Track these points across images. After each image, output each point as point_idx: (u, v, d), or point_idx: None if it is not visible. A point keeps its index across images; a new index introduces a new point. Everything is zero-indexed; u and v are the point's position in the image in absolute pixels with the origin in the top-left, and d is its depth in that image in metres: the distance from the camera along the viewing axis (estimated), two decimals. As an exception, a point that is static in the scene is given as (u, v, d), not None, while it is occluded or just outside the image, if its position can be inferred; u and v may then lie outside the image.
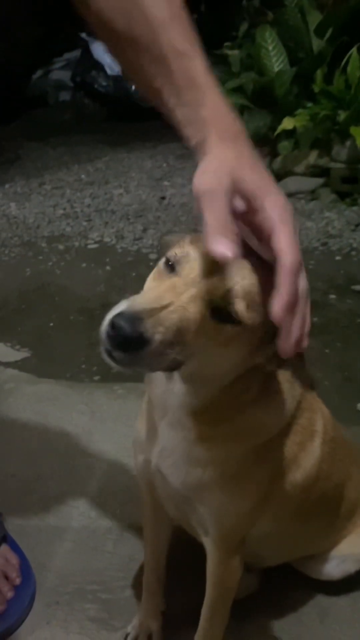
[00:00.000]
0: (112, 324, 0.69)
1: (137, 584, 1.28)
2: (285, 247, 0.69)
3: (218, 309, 0.74)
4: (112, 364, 0.72)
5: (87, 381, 2.09)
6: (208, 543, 1.00)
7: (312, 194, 3.78)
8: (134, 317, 0.69)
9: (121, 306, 0.71)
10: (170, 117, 0.82)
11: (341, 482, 1.13)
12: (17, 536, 1.42)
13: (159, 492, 1.06)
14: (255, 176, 0.73)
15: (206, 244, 0.69)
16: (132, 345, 0.69)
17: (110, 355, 0.71)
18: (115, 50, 0.88)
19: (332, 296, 2.62)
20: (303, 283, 0.75)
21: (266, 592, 1.26)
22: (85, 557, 1.37)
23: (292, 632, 1.19)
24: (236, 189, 0.71)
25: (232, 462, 0.92)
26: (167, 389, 0.89)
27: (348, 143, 3.61)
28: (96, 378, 2.11)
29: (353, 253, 3.05)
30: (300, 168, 3.88)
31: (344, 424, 1.32)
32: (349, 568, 1.21)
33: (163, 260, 0.78)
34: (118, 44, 0.86)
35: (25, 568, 1.30)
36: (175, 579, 1.25)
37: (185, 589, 1.27)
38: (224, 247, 0.67)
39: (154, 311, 0.71)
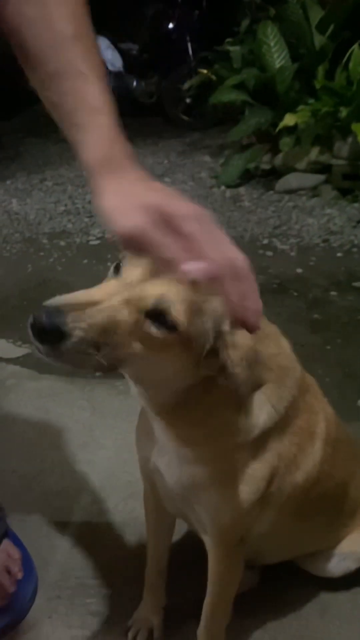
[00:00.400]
0: (34, 315, 0.70)
1: (138, 579, 1.28)
2: (212, 254, 0.69)
3: (154, 314, 0.73)
4: (38, 354, 0.72)
5: (88, 377, 2.10)
6: (208, 541, 1.01)
7: (314, 191, 3.78)
8: (55, 310, 0.70)
9: (53, 300, 0.72)
10: (66, 135, 0.82)
11: (344, 481, 1.13)
12: (18, 531, 1.42)
13: (159, 490, 1.06)
14: (159, 196, 0.72)
15: (178, 271, 0.67)
16: (48, 337, 0.70)
17: (37, 348, 0.72)
18: (21, 58, 0.86)
19: (333, 293, 2.62)
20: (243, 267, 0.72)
21: (267, 588, 1.26)
22: (86, 551, 1.38)
23: (292, 628, 1.20)
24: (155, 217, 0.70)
25: (220, 460, 0.92)
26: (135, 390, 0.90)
27: (349, 139, 3.60)
28: (97, 374, 2.11)
29: (354, 250, 3.05)
30: (301, 165, 3.88)
31: (345, 421, 1.32)
32: (350, 566, 1.22)
33: (114, 264, 0.78)
34: (23, 52, 0.84)
35: (27, 562, 1.31)
36: (177, 574, 1.26)
37: (187, 584, 1.27)
38: (196, 267, 0.67)
39: (78, 306, 0.71)
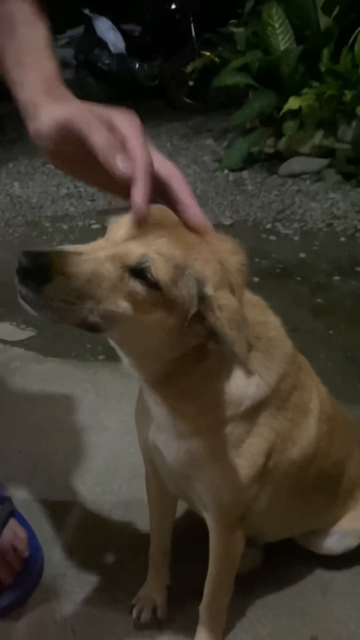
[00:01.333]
0: (19, 259, 0.71)
1: (142, 558, 1.30)
2: (134, 148, 0.74)
3: (137, 271, 0.74)
4: (23, 304, 0.73)
5: (92, 360, 2.11)
6: (208, 518, 1.02)
7: (317, 175, 3.77)
8: (39, 253, 0.72)
9: (38, 248, 0.75)
10: (4, 75, 0.87)
11: (341, 460, 1.15)
12: (24, 511, 1.44)
13: (160, 469, 1.08)
14: (100, 110, 0.78)
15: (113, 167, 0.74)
16: (32, 278, 0.71)
17: (21, 295, 0.73)
18: None
19: (336, 278, 2.62)
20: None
21: (269, 567, 1.28)
22: (91, 531, 1.40)
23: (294, 606, 1.22)
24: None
25: (215, 435, 0.92)
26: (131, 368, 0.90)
27: (354, 123, 3.58)
28: (101, 357, 2.13)
29: (358, 234, 3.04)
30: (305, 149, 3.86)
31: (347, 404, 1.34)
32: (350, 543, 1.23)
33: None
34: None
35: (33, 542, 1.33)
36: (181, 553, 1.28)
37: (190, 563, 1.29)
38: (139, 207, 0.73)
39: (63, 254, 0.73)
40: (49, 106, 0.80)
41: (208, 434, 0.93)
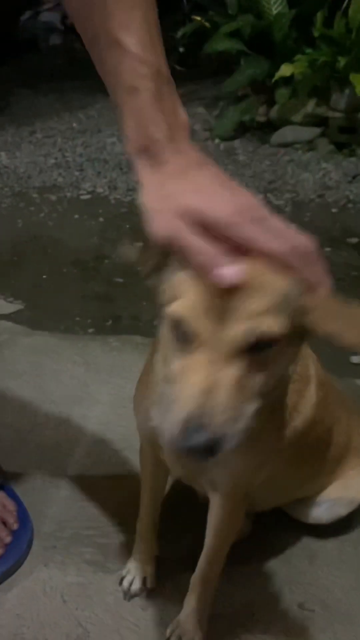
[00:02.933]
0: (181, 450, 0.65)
1: (132, 529, 1.31)
2: (271, 246, 0.65)
3: (251, 347, 0.66)
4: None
5: (82, 333, 2.10)
6: (216, 497, 1.02)
7: (310, 145, 3.71)
8: (192, 430, 0.64)
9: (177, 412, 0.65)
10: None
11: (331, 425, 1.15)
12: (14, 484, 1.44)
13: (165, 453, 1.06)
14: (198, 199, 0.66)
15: (212, 276, 0.64)
16: (206, 455, 0.65)
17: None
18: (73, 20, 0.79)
19: (328, 249, 2.60)
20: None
21: (257, 536, 1.30)
22: (81, 503, 1.40)
23: (282, 574, 1.24)
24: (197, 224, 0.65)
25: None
26: None
27: (347, 91, 3.52)
28: (90, 330, 2.11)
29: (350, 205, 3.01)
30: (297, 117, 3.79)
31: (338, 377, 1.34)
32: (338, 511, 1.25)
33: (166, 327, 0.72)
34: (71, 13, 0.78)
35: (22, 514, 1.33)
36: (169, 525, 1.29)
37: (178, 534, 1.30)
38: (231, 271, 0.63)
39: (202, 408, 0.64)
40: (146, 190, 0.68)
41: None
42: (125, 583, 1.21)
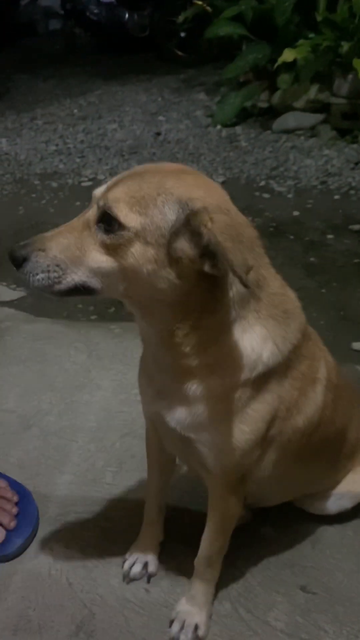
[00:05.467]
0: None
1: (135, 514, 1.32)
2: None
3: (103, 220, 0.82)
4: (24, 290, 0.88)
5: (84, 320, 2.10)
6: (208, 479, 1.03)
7: (312, 131, 3.69)
8: (19, 245, 0.86)
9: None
10: None
11: (344, 425, 1.16)
12: (18, 469, 1.46)
13: (161, 434, 1.08)
14: None
15: None
16: (14, 262, 0.85)
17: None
18: None
19: (330, 236, 2.60)
20: None
21: (260, 521, 1.31)
22: (85, 488, 1.42)
23: (284, 557, 1.25)
24: None
25: (224, 398, 0.92)
26: (141, 331, 0.93)
27: (350, 77, 3.49)
28: (93, 317, 2.12)
29: (352, 192, 3.00)
30: (300, 103, 3.77)
31: (339, 363, 1.34)
32: (345, 504, 1.26)
33: None
34: None
35: (14, 486, 1.36)
36: (176, 509, 1.30)
37: (184, 518, 1.32)
38: None
39: (41, 236, 0.86)
40: None
41: (215, 398, 0.92)
42: (126, 566, 1.22)
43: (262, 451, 0.99)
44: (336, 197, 2.97)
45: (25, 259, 0.84)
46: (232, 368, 0.90)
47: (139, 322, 0.91)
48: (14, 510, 1.30)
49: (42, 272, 0.83)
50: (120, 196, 0.81)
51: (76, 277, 0.83)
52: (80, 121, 4.31)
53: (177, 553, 1.25)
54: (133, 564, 1.22)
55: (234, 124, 3.99)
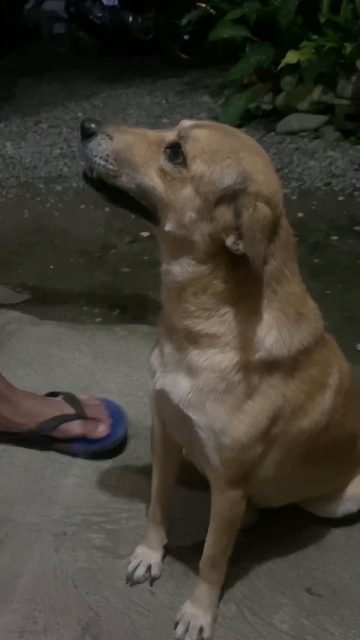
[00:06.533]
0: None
1: (140, 516, 1.32)
2: None
3: (172, 146, 0.86)
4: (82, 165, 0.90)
5: (89, 323, 2.11)
6: (211, 472, 1.03)
7: (316, 132, 3.69)
8: (94, 119, 0.89)
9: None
10: None
11: (354, 432, 1.15)
12: (22, 471, 1.46)
13: (166, 417, 1.09)
14: None
15: None
16: (82, 132, 0.87)
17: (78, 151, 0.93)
18: None
19: (334, 237, 2.60)
20: None
21: (266, 522, 1.31)
22: (90, 490, 1.42)
23: (289, 559, 1.25)
24: None
25: (222, 377, 0.93)
26: (162, 273, 0.96)
27: (353, 78, 3.49)
28: (97, 320, 2.12)
29: (356, 193, 3.00)
30: (303, 105, 3.77)
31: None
32: (351, 508, 1.26)
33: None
34: None
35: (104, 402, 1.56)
36: (181, 511, 1.30)
37: (190, 520, 1.32)
38: None
39: (116, 123, 0.89)
40: None
41: (216, 374, 0.93)
42: (130, 568, 1.22)
43: (265, 449, 1.00)
44: (340, 198, 2.97)
45: (92, 134, 0.87)
46: (233, 345, 0.92)
47: (163, 266, 0.95)
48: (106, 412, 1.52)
49: (101, 158, 0.87)
50: (200, 137, 0.85)
51: (128, 181, 0.87)
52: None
53: (183, 555, 1.25)
54: (137, 567, 1.22)
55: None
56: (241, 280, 0.89)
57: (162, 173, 0.85)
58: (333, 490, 1.25)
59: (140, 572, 1.21)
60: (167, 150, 0.86)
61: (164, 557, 1.25)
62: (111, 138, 0.86)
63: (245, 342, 0.92)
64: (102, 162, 0.86)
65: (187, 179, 0.84)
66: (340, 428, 1.09)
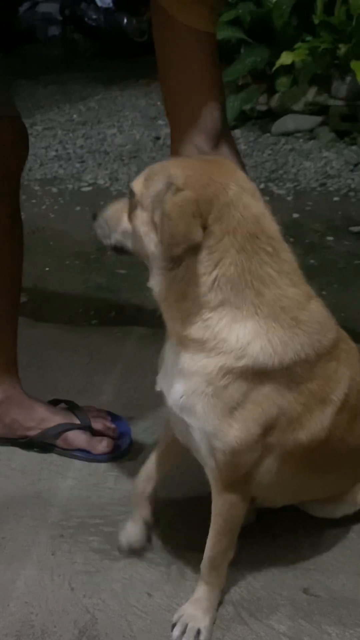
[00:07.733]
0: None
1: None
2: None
3: (130, 192, 1.00)
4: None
5: (85, 325, 2.11)
6: (209, 473, 1.04)
7: (311, 133, 3.70)
8: (96, 213, 1.10)
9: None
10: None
11: (358, 446, 1.14)
12: (19, 473, 1.46)
13: (172, 420, 1.10)
14: None
15: None
16: (93, 217, 1.10)
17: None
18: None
19: (330, 238, 2.60)
20: None
21: (262, 522, 1.31)
22: (87, 493, 1.42)
23: (286, 559, 1.25)
24: None
25: (210, 381, 0.94)
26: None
27: (348, 79, 3.50)
28: (94, 322, 2.12)
29: (351, 194, 3.01)
30: (298, 106, 3.78)
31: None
32: (347, 510, 1.26)
33: None
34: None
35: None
36: (179, 512, 1.30)
37: (188, 521, 1.32)
38: None
39: (106, 207, 1.09)
40: None
41: (205, 377, 0.94)
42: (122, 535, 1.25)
43: (261, 456, 1.00)
44: (336, 199, 2.98)
45: (95, 218, 1.10)
46: (217, 351, 0.93)
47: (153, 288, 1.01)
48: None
49: (99, 227, 1.09)
50: (144, 171, 0.99)
51: (114, 237, 1.05)
52: (79, 126, 4.33)
53: (181, 557, 1.25)
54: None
55: (233, 127, 4.00)
56: (218, 285, 0.91)
57: (129, 215, 1.00)
58: (337, 494, 1.25)
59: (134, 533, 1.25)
60: (128, 196, 1.01)
61: (164, 556, 1.24)
62: (103, 216, 1.08)
63: (228, 347, 0.92)
64: (100, 230, 1.09)
65: (136, 203, 0.97)
66: (342, 443, 1.08)
